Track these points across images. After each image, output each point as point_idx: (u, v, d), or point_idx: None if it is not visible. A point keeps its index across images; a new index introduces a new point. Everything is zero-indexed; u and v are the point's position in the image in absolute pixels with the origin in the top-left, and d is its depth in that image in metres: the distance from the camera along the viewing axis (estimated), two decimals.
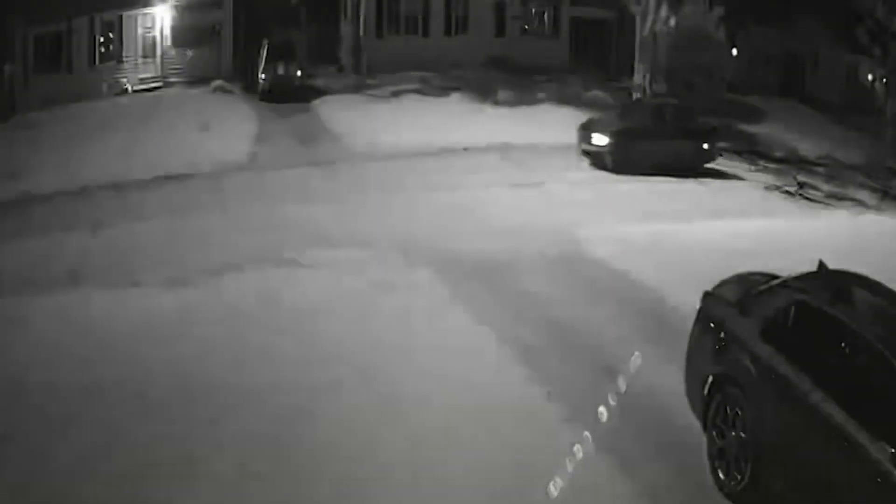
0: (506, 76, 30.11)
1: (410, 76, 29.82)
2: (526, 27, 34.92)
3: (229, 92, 29.16)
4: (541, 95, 28.89)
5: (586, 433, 7.33)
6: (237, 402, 8.11)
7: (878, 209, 19.17)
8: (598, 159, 21.51)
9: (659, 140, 21.61)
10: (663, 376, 8.35)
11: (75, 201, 18.04)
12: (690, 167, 21.25)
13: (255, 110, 26.85)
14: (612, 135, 21.48)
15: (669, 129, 22.19)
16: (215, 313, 10.53)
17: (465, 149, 22.37)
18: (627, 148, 21.05)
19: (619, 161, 20.94)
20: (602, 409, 7.81)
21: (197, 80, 30.18)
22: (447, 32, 33.28)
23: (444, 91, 29.04)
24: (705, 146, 22.23)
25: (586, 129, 22.21)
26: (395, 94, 28.60)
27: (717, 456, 6.88)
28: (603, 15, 36.64)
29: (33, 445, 7.33)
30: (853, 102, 40.40)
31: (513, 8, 34.27)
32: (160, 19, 31.07)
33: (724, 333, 7.22)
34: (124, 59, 30.69)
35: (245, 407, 8.02)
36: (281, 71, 28.66)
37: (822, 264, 7.19)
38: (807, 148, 27.95)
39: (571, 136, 21.96)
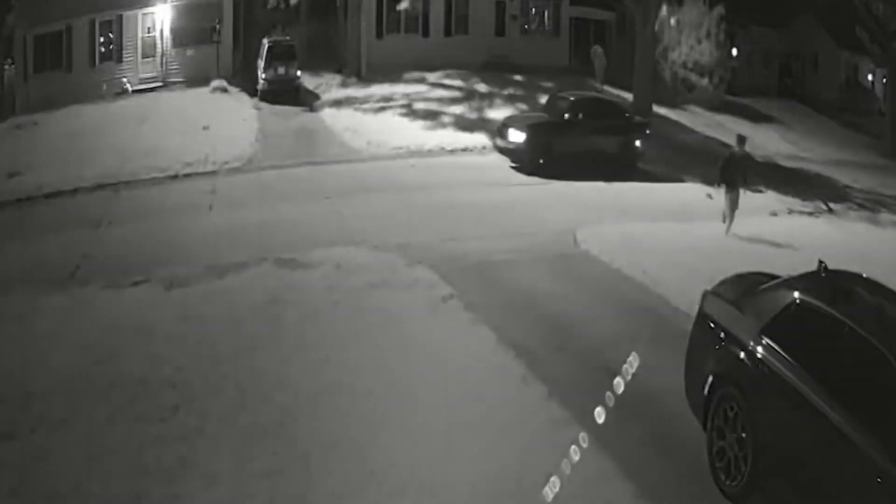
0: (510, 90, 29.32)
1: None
2: (526, 27, 34.90)
3: (229, 92, 29.12)
4: None
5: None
6: None
7: None
8: (515, 157, 20.63)
9: (580, 136, 20.54)
10: None
11: (76, 201, 18.04)
12: (617, 165, 20.39)
13: (255, 110, 26.83)
14: (527, 130, 20.50)
15: (593, 124, 20.94)
16: (216, 314, 10.52)
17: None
18: (544, 144, 20.14)
19: (534, 158, 20.03)
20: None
21: (197, 80, 30.13)
22: (447, 32, 33.25)
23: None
24: (637, 143, 21.29)
25: (504, 126, 21.27)
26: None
27: (717, 456, 6.88)
28: (603, 15, 36.65)
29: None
30: (853, 102, 40.45)
31: (513, 7, 34.26)
32: (160, 19, 31.03)
33: (724, 333, 7.22)
34: (124, 59, 30.65)
35: None
36: (281, 71, 28.65)
37: (821, 264, 7.19)
38: (821, 154, 27.48)
39: None
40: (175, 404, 8.06)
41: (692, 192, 19.19)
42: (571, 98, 22.02)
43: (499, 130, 21.50)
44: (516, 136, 20.58)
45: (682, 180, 20.55)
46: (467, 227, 14.99)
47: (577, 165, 19.75)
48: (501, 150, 21.09)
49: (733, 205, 14.95)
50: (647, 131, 21.98)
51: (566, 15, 35.10)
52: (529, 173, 19.90)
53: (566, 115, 21.02)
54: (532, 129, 20.51)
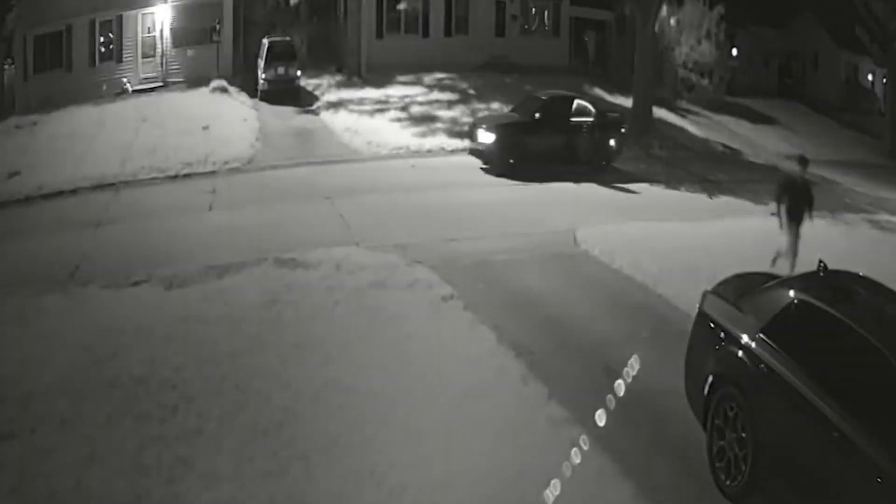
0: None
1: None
2: (526, 27, 34.91)
3: (229, 92, 29.14)
4: None
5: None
6: None
7: None
8: (485, 158, 20.10)
9: (551, 136, 19.98)
10: None
11: (76, 201, 18.04)
12: (591, 165, 19.92)
13: (255, 110, 26.83)
14: (496, 131, 20.01)
15: (565, 123, 20.40)
16: (216, 314, 10.51)
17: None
18: (514, 145, 19.61)
19: (504, 159, 19.54)
20: None
21: (197, 80, 30.15)
22: (447, 33, 33.26)
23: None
24: (612, 142, 20.69)
25: (474, 126, 20.84)
26: None
27: (717, 456, 6.88)
28: (603, 15, 36.66)
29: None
30: (853, 102, 40.43)
31: (513, 7, 34.27)
32: (160, 19, 31.04)
33: (724, 333, 7.22)
34: (124, 59, 30.66)
35: None
36: (281, 71, 28.68)
37: (821, 264, 7.20)
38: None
39: None
40: (175, 404, 8.06)
41: (676, 193, 19.10)
42: (542, 97, 21.57)
43: (469, 131, 21.11)
44: (486, 137, 20.13)
45: (657, 180, 20.18)
46: (467, 228, 14.98)
47: (549, 166, 19.39)
48: (472, 152, 20.69)
49: (794, 242, 12.17)
50: (623, 130, 21.42)
51: (566, 15, 35.11)
52: (499, 174, 19.48)
53: (537, 115, 20.53)
54: (502, 130, 20.09)
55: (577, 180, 19.11)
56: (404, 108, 26.56)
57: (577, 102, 21.62)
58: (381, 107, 26.88)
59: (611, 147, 20.86)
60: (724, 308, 7.46)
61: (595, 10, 36.28)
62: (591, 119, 20.98)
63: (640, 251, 13.13)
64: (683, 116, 30.78)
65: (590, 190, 18.71)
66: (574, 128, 20.51)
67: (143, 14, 30.86)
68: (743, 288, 7.67)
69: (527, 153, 19.79)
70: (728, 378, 6.91)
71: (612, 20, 36.98)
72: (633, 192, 18.85)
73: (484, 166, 20.21)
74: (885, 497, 5.31)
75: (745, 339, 6.94)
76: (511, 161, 19.64)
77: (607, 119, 21.58)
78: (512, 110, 22.16)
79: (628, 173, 20.40)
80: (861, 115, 37.92)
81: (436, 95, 28.26)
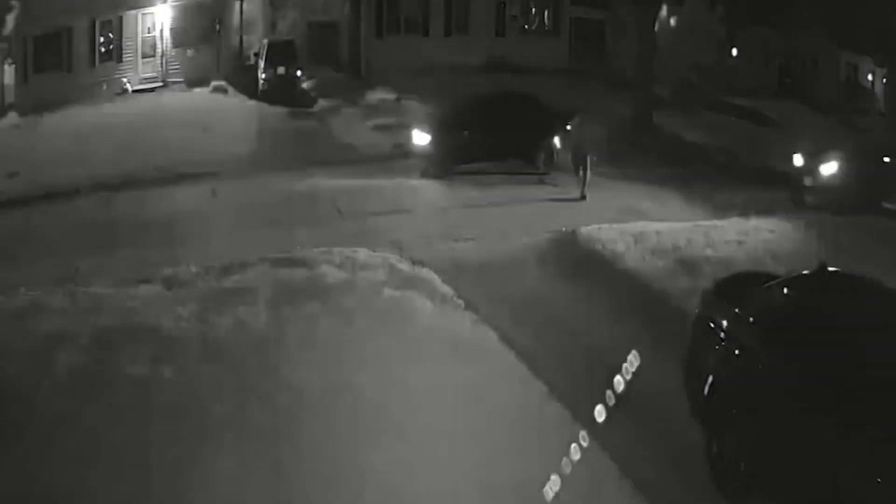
0: None
1: None
2: (526, 27, 34.94)
3: (229, 92, 29.17)
4: None
5: None
6: None
7: None
8: (422, 160, 18.99)
9: (493, 135, 18.64)
10: None
11: (76, 201, 18.06)
12: (534, 166, 18.98)
13: (254, 111, 26.86)
14: (432, 131, 18.94)
15: (508, 122, 19.00)
16: (217, 314, 10.51)
17: None
18: (451, 145, 18.50)
19: (442, 161, 18.49)
20: None
21: (197, 80, 30.19)
22: (447, 32, 33.30)
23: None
24: (556, 141, 19.26)
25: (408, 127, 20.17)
26: None
27: (717, 456, 6.88)
28: (603, 15, 36.69)
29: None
30: (853, 102, 40.42)
31: (513, 7, 34.31)
32: (160, 19, 31.08)
33: (724, 333, 7.22)
34: (124, 59, 30.70)
35: None
36: (281, 71, 28.69)
37: (822, 264, 7.21)
38: None
39: None
40: (175, 404, 8.06)
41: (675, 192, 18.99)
42: (485, 94, 20.60)
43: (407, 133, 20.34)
44: (420, 138, 19.13)
45: (655, 179, 19.94)
46: (469, 228, 15.01)
47: (492, 167, 18.71)
48: (409, 155, 19.94)
49: None
50: (569, 128, 19.95)
51: (566, 15, 35.14)
52: (434, 177, 18.53)
53: (478, 114, 19.28)
54: (437, 130, 19.08)
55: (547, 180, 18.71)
56: (405, 108, 26.59)
57: (523, 100, 20.46)
58: (382, 107, 26.93)
59: (556, 147, 19.45)
60: (724, 308, 7.47)
61: (595, 11, 36.29)
62: (537, 118, 19.67)
63: (645, 251, 13.09)
64: (683, 117, 30.75)
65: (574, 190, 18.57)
66: (519, 127, 19.16)
67: (143, 14, 30.91)
68: (743, 287, 7.68)
69: (466, 154, 18.65)
70: (728, 378, 6.91)
71: (612, 20, 36.98)
72: (630, 192, 18.86)
73: (421, 171, 19.17)
74: (885, 498, 5.31)
75: (744, 339, 6.94)
76: (449, 164, 18.57)
77: (556, 118, 19.96)
78: (454, 109, 20.78)
79: (627, 173, 20.35)
80: (861, 115, 37.89)
81: (436, 96, 28.27)
